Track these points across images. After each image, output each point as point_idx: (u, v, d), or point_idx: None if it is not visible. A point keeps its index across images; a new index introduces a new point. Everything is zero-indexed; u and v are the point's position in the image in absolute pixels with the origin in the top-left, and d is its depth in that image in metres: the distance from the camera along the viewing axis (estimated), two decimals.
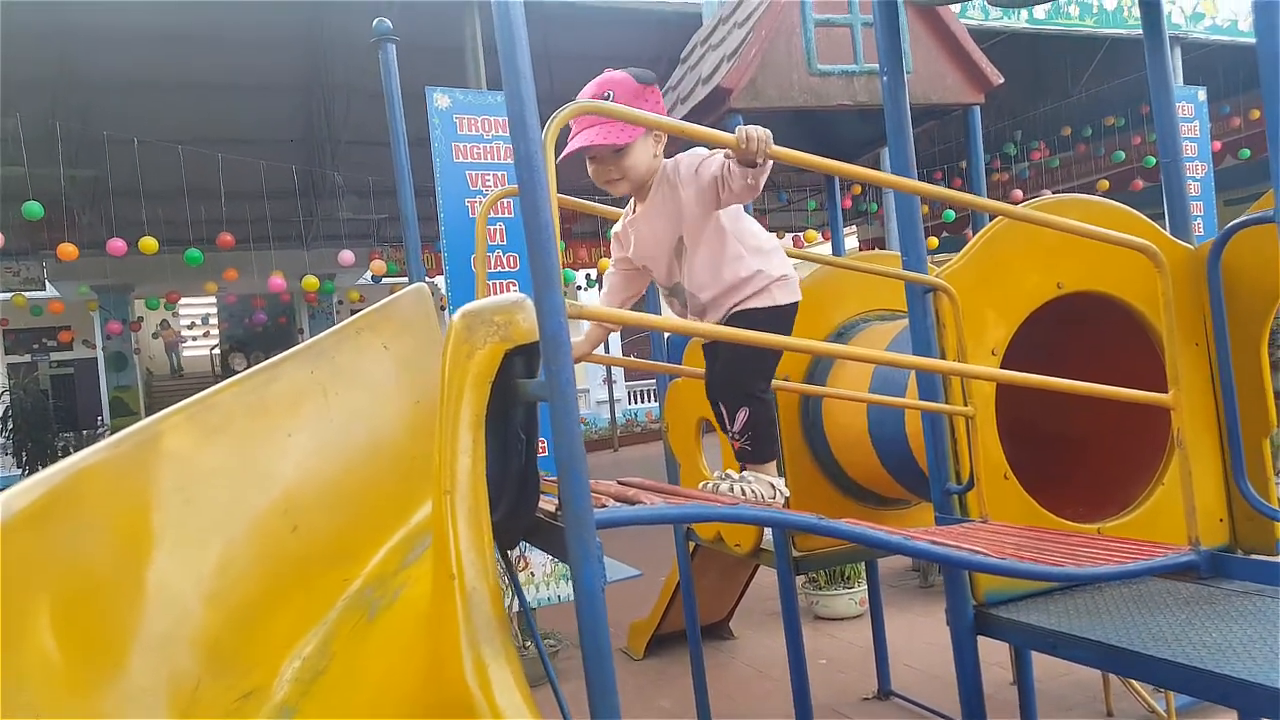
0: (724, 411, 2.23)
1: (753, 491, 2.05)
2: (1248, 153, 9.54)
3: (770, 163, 1.76)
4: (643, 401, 22.20)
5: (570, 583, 5.30)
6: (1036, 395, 3.03)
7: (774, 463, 2.29)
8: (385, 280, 12.99)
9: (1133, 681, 3.67)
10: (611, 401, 17.94)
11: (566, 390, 1.23)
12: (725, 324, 2.15)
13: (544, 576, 5.17)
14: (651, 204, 2.16)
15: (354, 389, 2.05)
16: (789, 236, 13.48)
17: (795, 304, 2.30)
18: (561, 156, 1.88)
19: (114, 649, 1.70)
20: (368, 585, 1.74)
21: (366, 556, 1.81)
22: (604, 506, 1.48)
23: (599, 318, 1.41)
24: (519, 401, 1.43)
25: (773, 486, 2.13)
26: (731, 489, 2.04)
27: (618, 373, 20.55)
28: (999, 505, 2.40)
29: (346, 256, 10.67)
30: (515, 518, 1.56)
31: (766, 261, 2.25)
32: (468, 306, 1.41)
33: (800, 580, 5.81)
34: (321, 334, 2.15)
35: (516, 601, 4.93)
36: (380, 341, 2.11)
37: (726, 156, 1.90)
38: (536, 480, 1.50)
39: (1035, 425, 2.98)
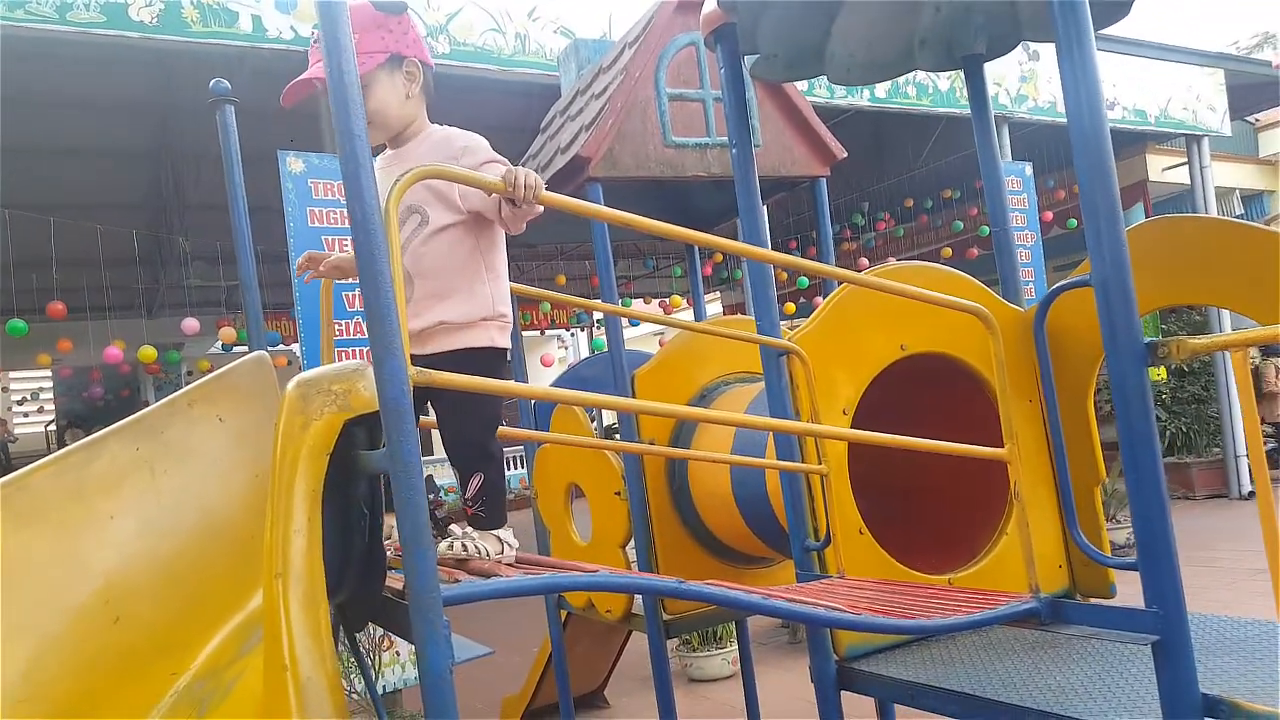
0: (458, 475, 2.03)
1: (480, 549, 1.86)
2: (1075, 222, 10.45)
3: (540, 207, 1.67)
4: (513, 468, 21.83)
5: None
6: (888, 452, 3.16)
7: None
8: (237, 348, 12.36)
9: None
10: None
11: (410, 461, 1.17)
12: (446, 360, 1.96)
13: (410, 655, 4.91)
14: (410, 160, 1.98)
15: (185, 465, 1.91)
16: (655, 302, 13.75)
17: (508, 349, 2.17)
18: (286, 92, 1.89)
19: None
20: (199, 678, 1.59)
21: (198, 646, 1.66)
22: (456, 581, 1.41)
23: (455, 385, 1.36)
24: (361, 475, 1.35)
25: (499, 540, 1.96)
26: (465, 548, 1.87)
27: None
28: (855, 560, 2.46)
29: (190, 324, 10.11)
30: (361, 600, 1.46)
31: (504, 298, 2.13)
32: (303, 375, 1.34)
33: (673, 643, 5.77)
34: (149, 408, 2.01)
35: (364, 683, 4.68)
36: (215, 414, 1.98)
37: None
38: (382, 558, 1.42)
39: (888, 480, 3.09)
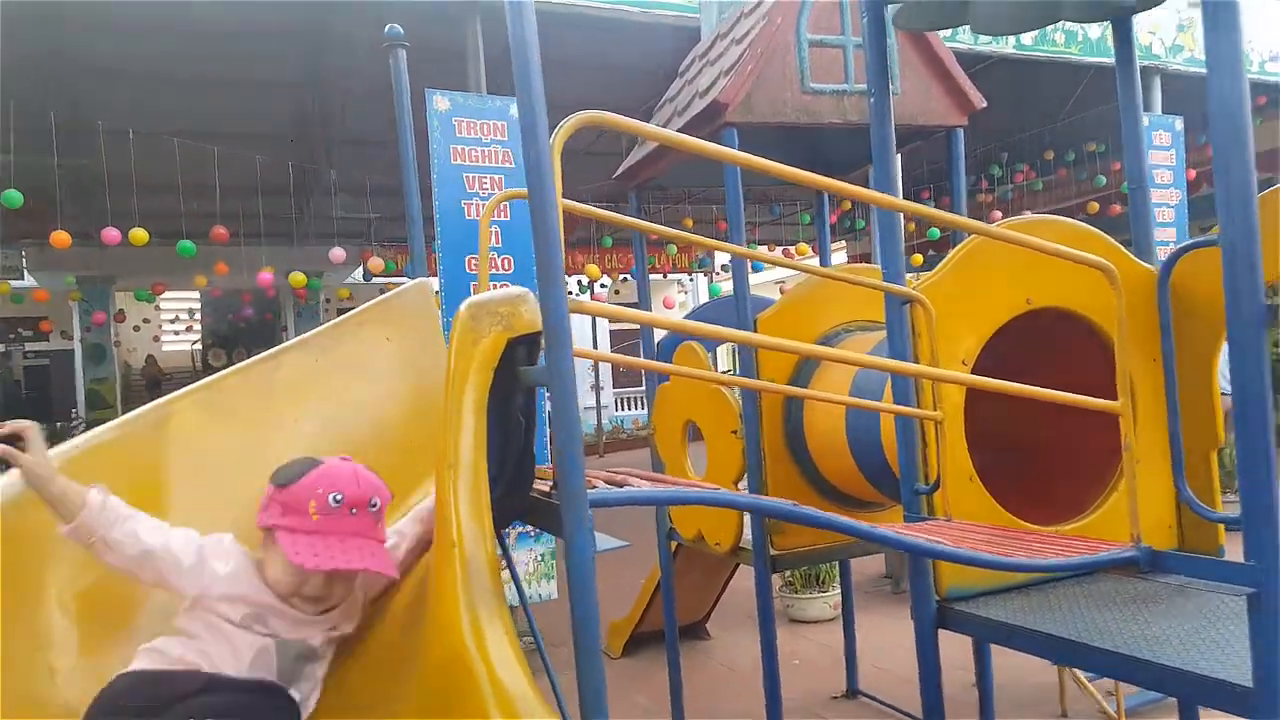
0: None
1: None
2: None
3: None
4: (630, 409, 22.31)
5: (551, 581, 5.40)
6: (1004, 406, 3.19)
7: None
8: (376, 280, 13.06)
9: (1087, 683, 3.82)
10: (599, 408, 18.04)
11: (566, 376, 1.35)
12: None
13: (525, 576, 5.27)
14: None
15: (356, 378, 2.17)
16: (779, 249, 13.67)
17: None
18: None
19: (123, 613, 1.82)
20: None
21: None
22: (595, 488, 1.60)
23: (598, 312, 1.53)
24: (520, 388, 1.55)
25: None
26: None
27: (605, 379, 20.68)
28: (963, 506, 2.54)
29: (338, 253, 10.75)
30: (512, 497, 1.68)
31: None
32: (473, 298, 1.54)
33: (776, 584, 5.95)
34: (324, 325, 2.27)
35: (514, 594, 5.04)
36: (383, 334, 2.23)
37: None
38: (533, 461, 1.63)
39: (1003, 433, 3.12)
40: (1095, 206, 9.97)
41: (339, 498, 1.57)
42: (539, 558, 5.26)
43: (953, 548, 1.81)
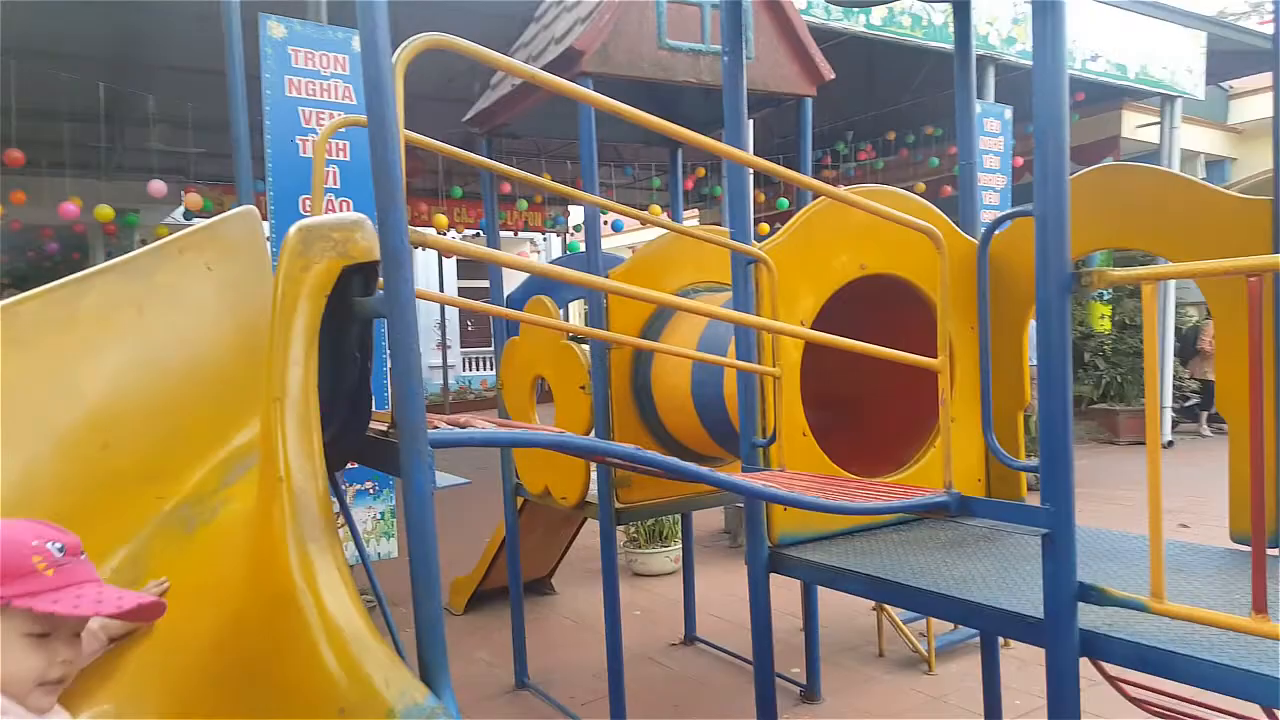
0: None
1: None
2: None
3: None
4: (477, 369, 21.95)
5: (391, 539, 5.25)
6: (836, 370, 3.35)
7: None
8: (198, 220, 12.14)
9: (902, 626, 4.11)
10: (445, 367, 17.64)
11: (406, 306, 1.30)
12: None
13: (364, 534, 5.11)
14: None
15: (174, 308, 2.01)
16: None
17: None
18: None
19: None
20: (186, 503, 1.73)
21: (185, 475, 1.79)
22: (436, 427, 1.55)
23: (441, 246, 1.47)
24: (355, 320, 1.48)
25: None
26: None
27: (452, 337, 20.22)
28: (796, 458, 2.66)
29: (157, 186, 9.90)
30: (346, 437, 1.61)
31: None
32: (303, 221, 1.45)
33: (620, 540, 6.05)
34: (139, 250, 2.08)
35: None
36: (204, 261, 2.06)
37: None
38: (370, 398, 1.56)
39: (833, 393, 3.28)
40: (922, 186, 10.56)
41: (61, 546, 1.27)
42: (378, 516, 5.11)
43: (783, 491, 1.88)
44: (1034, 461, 1.87)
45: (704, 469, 1.81)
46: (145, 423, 1.87)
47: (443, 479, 1.42)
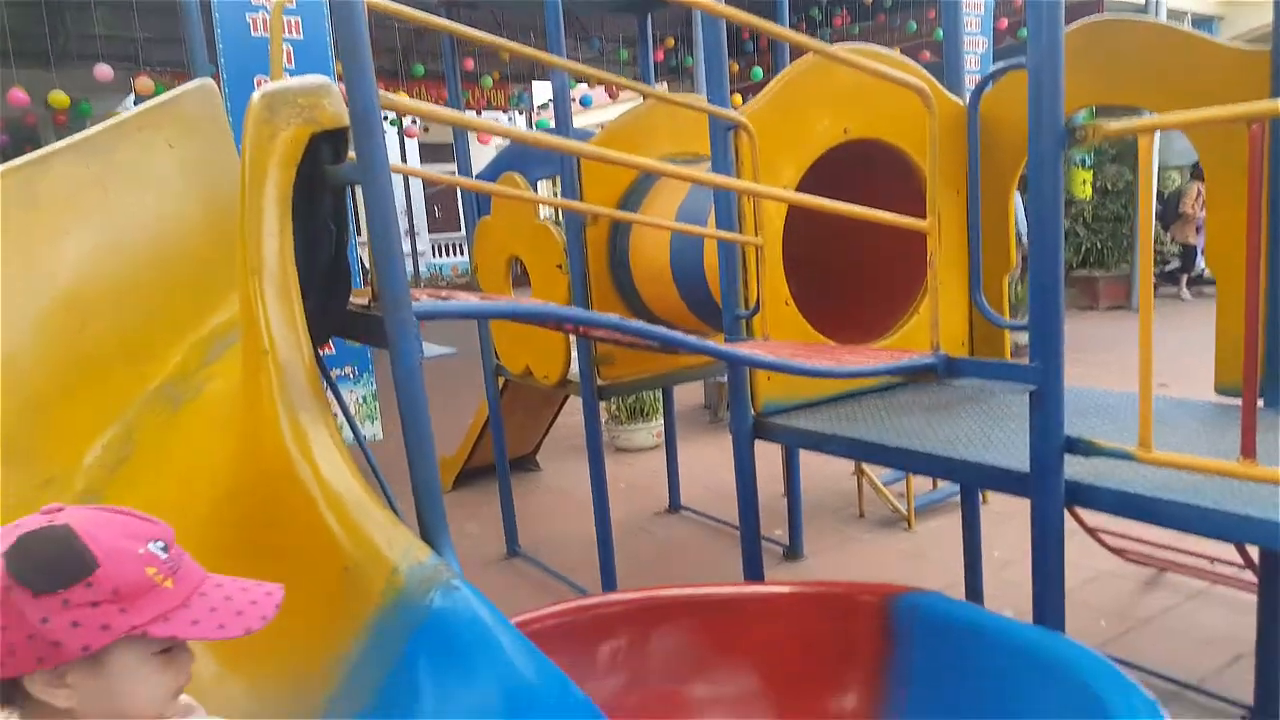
0: None
1: None
2: (1025, 32, 10.33)
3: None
4: (448, 255, 21.64)
5: (375, 423, 5.27)
6: (820, 238, 3.31)
7: None
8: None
9: (882, 488, 4.24)
10: (414, 254, 17.40)
11: (380, 171, 1.24)
12: None
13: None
14: None
15: (137, 187, 1.93)
16: (600, 87, 13.29)
17: None
18: None
19: None
20: (169, 382, 1.70)
21: (166, 355, 1.76)
22: (419, 301, 1.52)
23: (409, 110, 1.40)
24: (327, 189, 1.42)
25: None
26: None
27: (420, 224, 19.85)
28: (780, 328, 2.66)
29: (103, 71, 9.44)
30: (326, 312, 1.57)
31: None
32: (267, 87, 1.37)
33: (603, 418, 6.13)
34: (95, 128, 1.98)
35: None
36: (164, 138, 1.97)
37: None
38: (348, 269, 1.52)
39: (818, 265, 3.26)
40: (898, 50, 10.26)
41: (163, 544, 0.99)
42: (360, 400, 5.11)
43: (768, 356, 1.88)
44: (1021, 320, 1.88)
45: (689, 337, 1.80)
46: (121, 303, 1.83)
47: (429, 349, 1.40)
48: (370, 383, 5.13)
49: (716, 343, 2.20)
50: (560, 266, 3.34)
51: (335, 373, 5.00)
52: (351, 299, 1.62)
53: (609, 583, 3.56)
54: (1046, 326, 1.80)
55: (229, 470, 1.36)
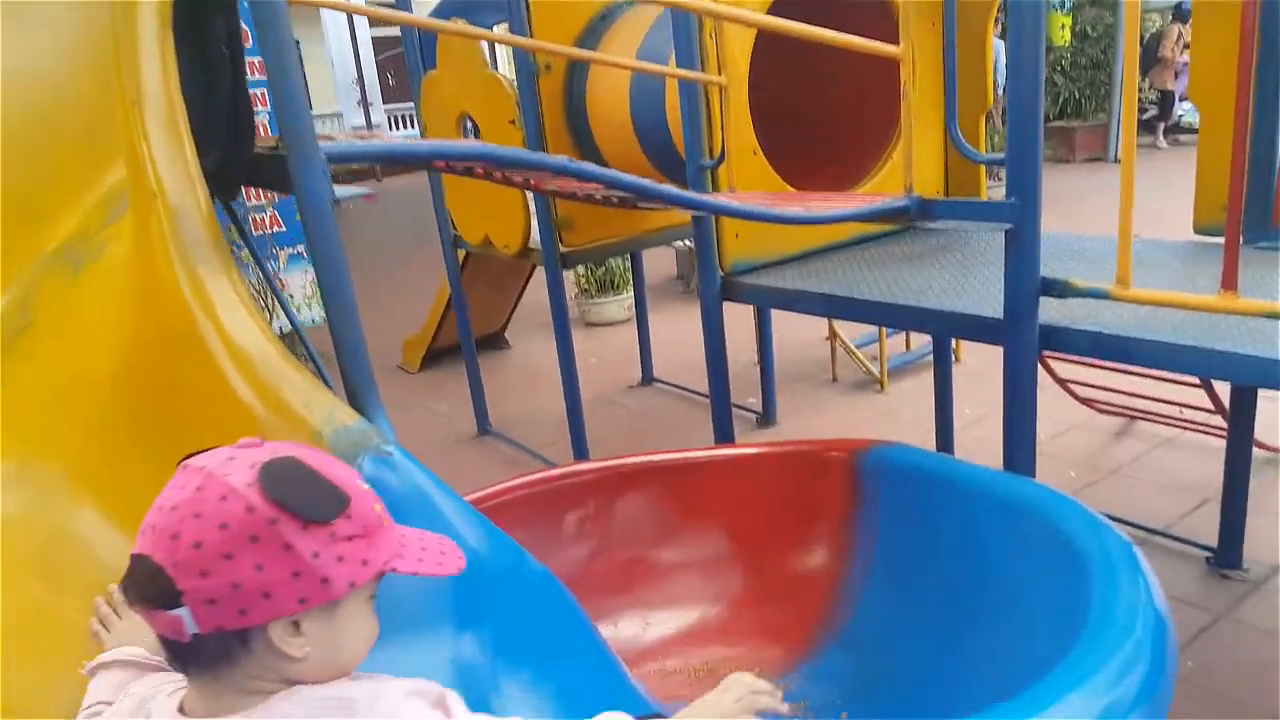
0: None
1: None
2: None
3: None
4: (405, 127, 20.79)
5: None
6: (790, 85, 3.11)
7: None
8: None
9: (855, 350, 4.18)
10: (369, 128, 16.70)
11: None
12: None
13: (304, 299, 4.96)
14: None
15: (23, 28, 1.70)
16: None
17: None
18: None
19: None
20: (68, 244, 1.54)
21: (62, 216, 1.59)
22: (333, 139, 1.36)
23: None
24: (217, 7, 1.23)
25: None
26: None
27: (374, 95, 18.96)
28: (747, 179, 2.50)
29: None
30: (234, 156, 1.41)
31: None
32: None
33: (572, 291, 5.99)
34: None
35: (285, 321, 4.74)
36: None
37: None
38: (248, 100, 1.35)
39: (786, 114, 3.08)
40: None
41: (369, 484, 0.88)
42: (314, 280, 4.92)
43: (732, 203, 1.74)
44: (999, 155, 1.74)
45: (646, 181, 1.65)
46: (15, 161, 1.64)
47: (343, 190, 1.25)
48: None
49: (677, 190, 2.06)
50: (513, 122, 3.13)
51: (288, 251, 4.80)
52: (258, 144, 1.45)
53: (581, 456, 3.52)
54: (1024, 159, 1.68)
55: (130, 333, 1.23)
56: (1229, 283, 1.58)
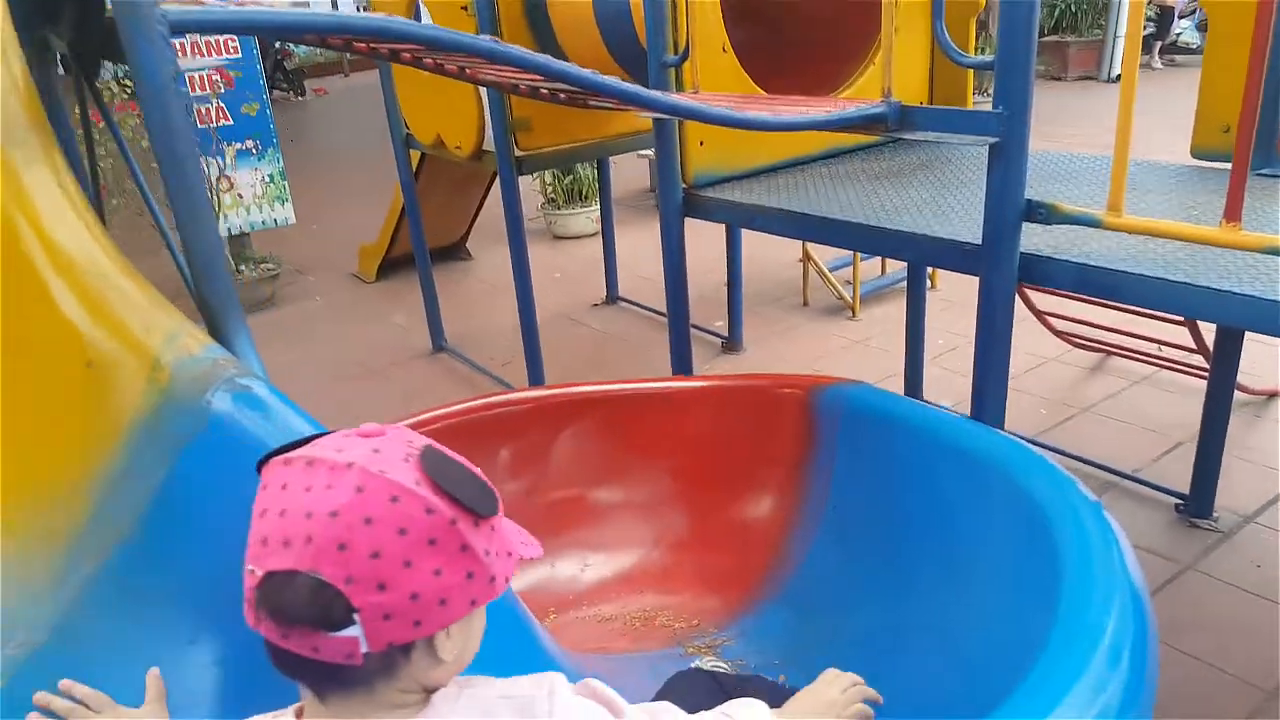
0: None
1: None
2: None
3: None
4: None
5: (286, 204, 4.80)
6: None
7: None
8: None
9: (828, 273, 4.00)
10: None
11: None
12: None
13: (254, 199, 4.67)
14: None
15: None
16: None
17: None
18: None
19: None
20: None
21: None
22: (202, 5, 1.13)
23: None
24: None
25: None
26: None
27: None
28: (714, 80, 2.27)
29: None
30: (83, 26, 1.18)
31: None
32: None
33: (538, 201, 5.73)
34: None
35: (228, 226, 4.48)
36: None
37: None
38: None
39: (761, 12, 2.82)
40: None
41: None
42: (266, 179, 4.64)
43: (692, 104, 1.53)
44: (987, 57, 1.54)
45: (588, 72, 1.43)
46: None
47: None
48: (276, 159, 4.63)
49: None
50: (465, 8, 2.85)
51: (235, 147, 4.50)
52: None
53: (536, 378, 3.35)
54: (1015, 65, 1.47)
55: None
56: (1233, 213, 1.41)
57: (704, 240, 4.81)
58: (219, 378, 0.93)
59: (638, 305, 4.38)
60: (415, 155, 4.11)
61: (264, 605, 0.63)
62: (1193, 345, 2.78)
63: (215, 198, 4.44)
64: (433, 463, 0.68)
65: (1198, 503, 2.40)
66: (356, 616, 0.62)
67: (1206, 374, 2.57)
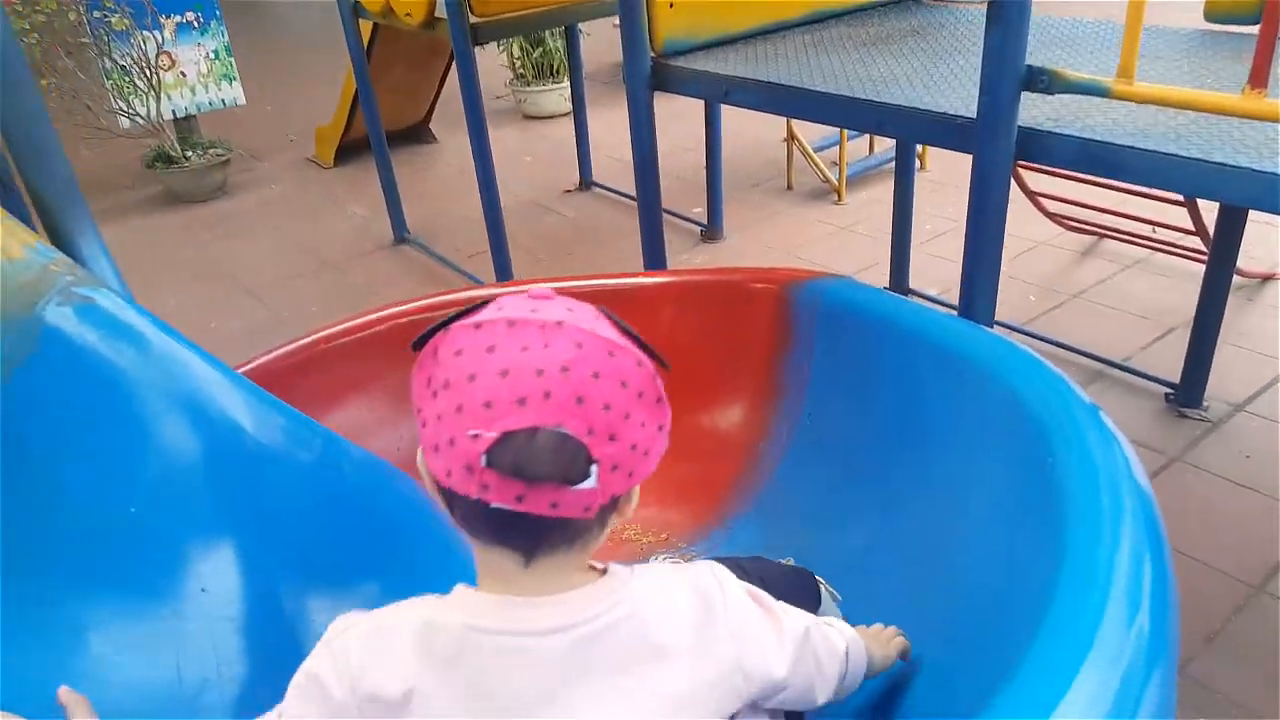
0: None
1: None
2: None
3: None
4: None
5: (234, 83, 4.49)
6: None
7: None
8: None
9: (813, 154, 3.80)
10: None
11: None
12: None
13: (199, 77, 4.35)
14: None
15: None
16: None
17: None
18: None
19: None
20: None
21: None
22: None
23: None
24: None
25: None
26: None
27: None
28: None
29: None
30: None
31: None
32: None
33: (507, 77, 5.40)
34: None
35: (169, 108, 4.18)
36: None
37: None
38: None
39: None
40: None
41: None
42: (210, 55, 4.31)
43: None
44: None
45: None
46: None
47: None
48: (221, 33, 4.29)
49: None
50: None
51: (175, 19, 4.15)
52: None
53: (503, 272, 3.18)
54: None
55: None
56: (1259, 78, 1.25)
57: (682, 118, 4.57)
58: (50, 286, 0.77)
59: (613, 191, 4.17)
60: (368, 27, 3.81)
61: (500, 466, 0.61)
62: (1190, 227, 2.64)
63: (155, 76, 4.13)
64: (618, 321, 0.69)
65: (1188, 391, 2.31)
66: (594, 469, 0.62)
67: (1203, 257, 2.44)
